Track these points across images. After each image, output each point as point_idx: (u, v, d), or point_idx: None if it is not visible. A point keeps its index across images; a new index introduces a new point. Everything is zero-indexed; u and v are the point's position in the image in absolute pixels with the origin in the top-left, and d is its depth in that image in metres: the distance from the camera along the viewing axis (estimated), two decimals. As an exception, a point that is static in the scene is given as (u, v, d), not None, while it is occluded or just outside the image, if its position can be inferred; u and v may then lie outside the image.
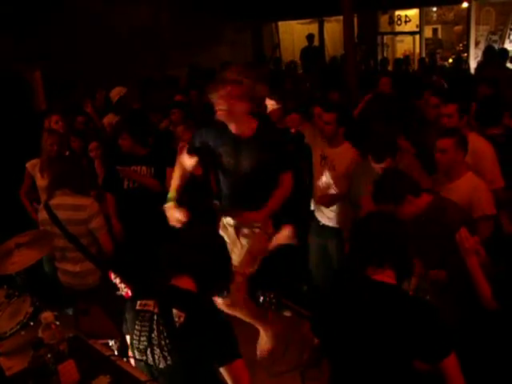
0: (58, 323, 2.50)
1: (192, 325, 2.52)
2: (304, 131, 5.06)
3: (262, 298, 5.10)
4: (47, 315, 2.49)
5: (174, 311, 2.54)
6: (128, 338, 2.75)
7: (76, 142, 5.77)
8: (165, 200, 4.88)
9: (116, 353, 3.13)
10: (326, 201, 4.85)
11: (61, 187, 4.46)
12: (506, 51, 9.51)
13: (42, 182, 5.31)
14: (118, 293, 3.79)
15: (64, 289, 4.59)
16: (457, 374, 2.53)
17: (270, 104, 5.41)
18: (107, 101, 7.98)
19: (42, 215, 4.45)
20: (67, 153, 5.59)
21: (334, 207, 4.86)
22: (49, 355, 2.17)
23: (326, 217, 4.94)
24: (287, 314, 5.17)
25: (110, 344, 3.47)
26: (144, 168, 5.18)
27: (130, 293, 3.69)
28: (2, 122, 6.99)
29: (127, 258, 4.81)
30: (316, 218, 5.05)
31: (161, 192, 5.08)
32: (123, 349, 2.97)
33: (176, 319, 2.52)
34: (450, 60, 12.92)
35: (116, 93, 7.36)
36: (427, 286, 3.38)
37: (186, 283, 2.67)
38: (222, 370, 2.53)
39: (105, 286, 4.28)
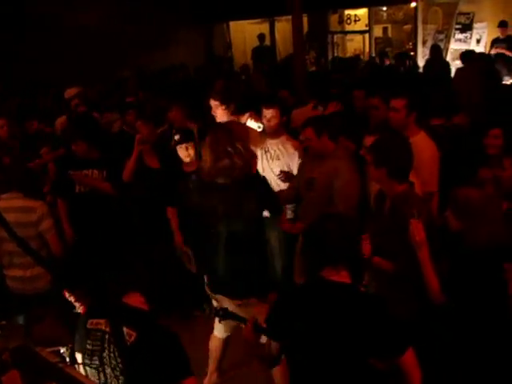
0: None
1: (143, 343, 2.49)
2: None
3: (207, 309, 5.03)
4: (-10, 325, 2.43)
5: (126, 330, 2.52)
6: (79, 356, 2.71)
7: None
8: (117, 204, 4.93)
9: (68, 359, 3.08)
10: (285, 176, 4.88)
11: (9, 190, 4.38)
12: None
13: None
14: (75, 311, 3.74)
15: (14, 296, 4.51)
16: (414, 370, 2.59)
17: (214, 104, 5.43)
18: (56, 101, 7.85)
19: None
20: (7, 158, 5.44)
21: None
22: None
23: None
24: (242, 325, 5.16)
25: (62, 351, 3.41)
26: (96, 171, 5.14)
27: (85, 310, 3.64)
28: None
29: (79, 265, 4.75)
30: None
31: (113, 195, 5.11)
32: (74, 356, 2.92)
33: (127, 338, 2.50)
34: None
35: (72, 92, 7.22)
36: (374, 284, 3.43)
37: (137, 301, 2.66)
38: None
39: (56, 290, 4.24)
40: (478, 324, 3.05)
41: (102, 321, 2.61)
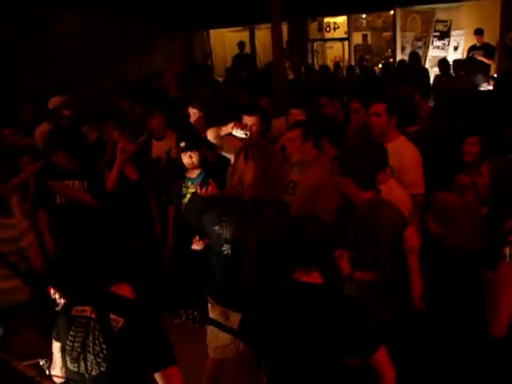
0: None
1: (130, 330, 2.54)
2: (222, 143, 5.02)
3: (184, 316, 5.01)
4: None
5: (112, 316, 2.56)
6: (57, 345, 2.70)
7: None
8: (97, 214, 4.90)
9: (47, 372, 3.05)
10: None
11: None
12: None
13: None
14: (58, 308, 3.71)
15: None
16: (387, 368, 2.61)
17: (193, 112, 5.41)
18: (36, 113, 7.78)
19: None
20: None
21: None
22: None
23: None
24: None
25: (41, 363, 3.37)
26: (76, 182, 5.12)
27: None
28: None
29: (61, 272, 4.72)
30: None
31: (94, 206, 5.09)
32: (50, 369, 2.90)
33: (114, 324, 2.54)
34: (380, 65, 13.29)
35: (56, 102, 7.16)
36: (354, 287, 3.44)
37: (124, 291, 2.71)
38: (156, 375, 2.55)
39: (36, 303, 4.19)
40: (458, 329, 3.08)
41: (87, 308, 2.64)
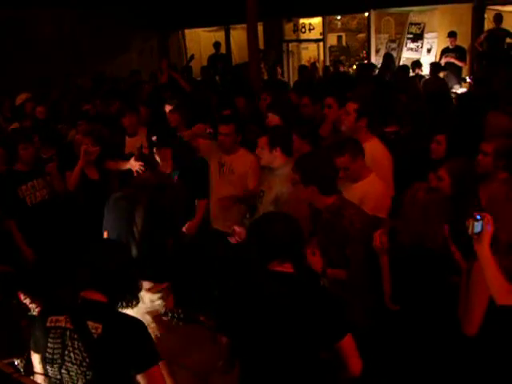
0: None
1: (110, 334, 2.50)
2: (198, 145, 5.09)
3: (170, 314, 5.06)
4: None
5: (90, 323, 2.52)
6: (37, 356, 2.67)
7: None
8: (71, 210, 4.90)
9: (22, 371, 3.03)
10: (226, 202, 4.82)
11: None
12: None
13: None
14: (30, 313, 3.69)
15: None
16: (353, 356, 2.63)
17: (170, 110, 5.42)
18: (14, 109, 7.75)
19: None
20: None
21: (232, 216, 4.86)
22: None
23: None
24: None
25: (16, 363, 3.35)
26: (40, 180, 5.22)
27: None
28: None
29: (34, 273, 4.70)
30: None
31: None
32: (29, 367, 2.88)
33: (93, 331, 2.50)
34: (354, 66, 13.39)
35: (21, 98, 7.16)
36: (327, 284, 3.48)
37: (95, 295, 2.65)
38: (138, 376, 2.52)
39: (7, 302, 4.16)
40: (428, 329, 3.16)
41: (61, 317, 2.59)
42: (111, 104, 7.34)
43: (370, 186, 3.93)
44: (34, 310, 3.69)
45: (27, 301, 3.71)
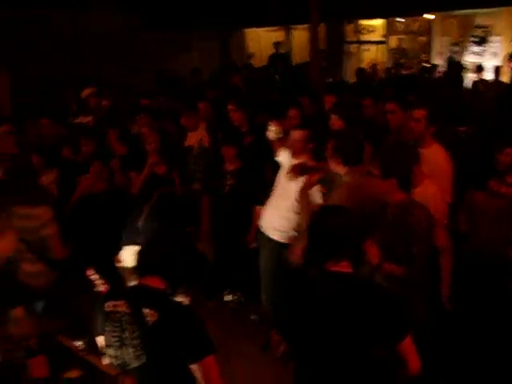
0: (28, 319, 2.52)
1: (164, 323, 2.55)
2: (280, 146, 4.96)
3: (229, 296, 5.21)
4: (18, 311, 2.52)
5: (146, 310, 2.57)
6: (99, 338, 2.78)
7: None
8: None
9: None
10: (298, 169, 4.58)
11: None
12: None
13: None
14: (95, 289, 3.81)
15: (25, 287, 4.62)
16: (412, 357, 2.61)
17: (232, 109, 5.50)
18: (79, 103, 7.99)
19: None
20: None
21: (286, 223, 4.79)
22: (18, 350, 2.20)
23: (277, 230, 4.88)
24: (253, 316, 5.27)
25: (77, 344, 3.48)
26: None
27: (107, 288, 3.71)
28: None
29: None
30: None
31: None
32: (90, 348, 2.99)
33: (148, 318, 2.56)
34: (416, 69, 13.19)
35: (85, 92, 7.39)
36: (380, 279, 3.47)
37: (155, 282, 2.72)
38: (192, 366, 2.57)
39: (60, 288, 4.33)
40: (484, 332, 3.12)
41: (119, 302, 2.66)
42: (174, 102, 7.49)
43: (423, 194, 3.85)
44: (100, 286, 3.79)
45: (95, 277, 3.82)
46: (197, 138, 6.08)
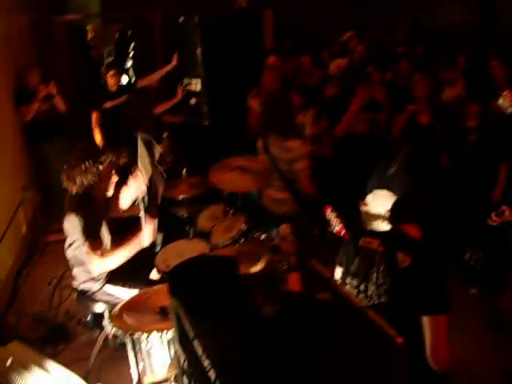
0: (293, 237, 2.72)
1: (415, 270, 2.61)
2: None
3: (468, 254, 5.03)
4: (285, 227, 2.72)
5: (400, 254, 2.64)
6: (339, 270, 2.90)
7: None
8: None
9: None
10: None
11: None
12: None
13: None
14: (330, 229, 3.97)
15: (268, 212, 4.96)
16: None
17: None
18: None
19: (259, 144, 4.82)
20: None
21: None
22: (283, 262, 2.39)
23: None
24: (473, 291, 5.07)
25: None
26: None
27: (342, 231, 3.85)
28: (234, 57, 7.45)
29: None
30: None
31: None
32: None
33: (400, 262, 2.62)
34: None
35: (347, 35, 7.47)
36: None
37: (412, 231, 2.78)
38: (424, 318, 2.59)
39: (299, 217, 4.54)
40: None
41: (375, 241, 2.77)
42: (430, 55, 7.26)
43: None
44: (336, 226, 3.94)
45: (332, 216, 3.98)
46: (454, 93, 5.85)
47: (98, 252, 3.59)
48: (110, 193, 3.91)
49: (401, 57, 6.80)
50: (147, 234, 3.78)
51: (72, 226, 3.66)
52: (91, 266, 3.66)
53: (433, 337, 2.57)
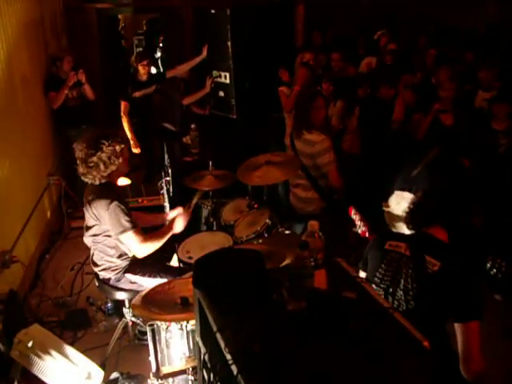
0: (320, 233, 2.67)
1: (445, 275, 2.53)
2: None
3: (490, 263, 4.90)
4: (314, 223, 2.68)
5: (428, 258, 2.57)
6: (363, 274, 2.84)
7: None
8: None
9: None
10: None
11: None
12: None
13: None
14: (354, 229, 3.92)
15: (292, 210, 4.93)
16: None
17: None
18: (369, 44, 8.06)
19: (287, 140, 4.89)
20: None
21: None
22: (311, 259, 2.36)
23: None
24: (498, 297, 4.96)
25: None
26: None
27: (366, 232, 3.80)
28: (264, 51, 7.41)
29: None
30: None
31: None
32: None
33: (429, 266, 2.55)
34: None
35: (377, 34, 7.45)
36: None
37: (440, 234, 2.70)
38: (455, 325, 2.52)
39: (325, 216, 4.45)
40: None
41: (402, 244, 2.70)
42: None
43: None
44: (361, 227, 3.88)
45: (357, 217, 3.93)
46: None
47: (141, 237, 3.76)
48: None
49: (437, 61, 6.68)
50: (180, 221, 3.95)
51: (109, 214, 3.65)
52: (138, 251, 3.82)
53: (465, 345, 2.49)
